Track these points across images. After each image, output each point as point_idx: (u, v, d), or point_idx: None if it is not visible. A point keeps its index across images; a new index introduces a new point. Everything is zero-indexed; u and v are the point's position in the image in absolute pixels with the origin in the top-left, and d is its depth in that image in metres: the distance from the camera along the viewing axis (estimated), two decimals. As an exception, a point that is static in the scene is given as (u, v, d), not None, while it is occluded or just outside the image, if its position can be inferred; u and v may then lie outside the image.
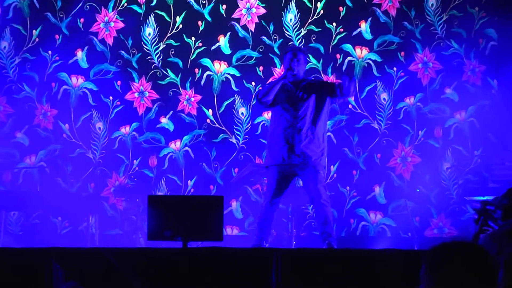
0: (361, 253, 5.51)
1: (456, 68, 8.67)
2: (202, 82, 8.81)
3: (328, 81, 7.54)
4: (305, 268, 5.10)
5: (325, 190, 6.65)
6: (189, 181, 8.66)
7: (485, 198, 7.06)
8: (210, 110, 8.78)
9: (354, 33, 8.66)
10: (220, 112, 8.75)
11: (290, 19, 8.78)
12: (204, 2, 8.84)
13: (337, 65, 8.69)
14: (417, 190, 8.45)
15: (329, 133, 8.46)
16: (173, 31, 8.86)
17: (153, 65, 8.85)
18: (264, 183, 7.88)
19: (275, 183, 6.69)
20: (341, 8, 8.67)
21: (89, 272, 5.03)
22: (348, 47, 8.52)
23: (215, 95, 8.81)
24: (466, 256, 2.28)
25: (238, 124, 8.76)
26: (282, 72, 6.90)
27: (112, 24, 8.87)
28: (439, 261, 2.29)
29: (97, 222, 8.73)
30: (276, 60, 8.76)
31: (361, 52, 8.66)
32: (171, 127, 8.77)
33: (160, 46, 8.85)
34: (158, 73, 8.84)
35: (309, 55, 8.74)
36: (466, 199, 8.22)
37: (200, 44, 8.83)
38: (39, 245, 6.52)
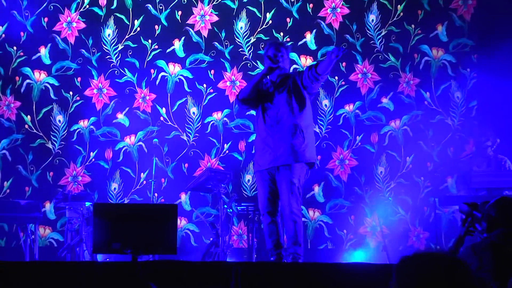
0: (325, 267, 5.12)
1: (393, 80, 8.74)
2: (157, 82, 8.84)
3: (303, 68, 6.75)
4: (267, 283, 4.66)
5: (297, 202, 5.98)
6: (142, 173, 8.67)
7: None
8: (163, 109, 8.79)
9: (300, 43, 8.74)
10: (173, 110, 8.77)
11: (241, 27, 8.84)
12: (161, 7, 8.88)
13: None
14: (390, 199, 8.49)
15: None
16: (131, 33, 8.90)
17: (111, 64, 8.86)
18: (222, 189, 7.65)
19: (267, 190, 6.07)
20: (288, 20, 8.75)
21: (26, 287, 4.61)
22: (294, 55, 8.56)
23: (169, 94, 8.81)
24: (440, 268, 2.07)
25: (190, 122, 8.77)
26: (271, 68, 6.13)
27: (74, 24, 8.88)
28: (410, 273, 2.10)
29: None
30: (227, 65, 8.80)
31: (305, 61, 8.69)
32: (126, 122, 8.80)
33: (118, 46, 8.86)
34: (116, 71, 8.85)
35: (257, 63, 8.72)
36: (443, 208, 8.06)
37: (156, 47, 8.87)
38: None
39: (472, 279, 2.07)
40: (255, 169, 6.23)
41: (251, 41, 8.84)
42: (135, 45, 8.87)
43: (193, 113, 8.78)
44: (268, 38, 8.73)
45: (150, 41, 8.87)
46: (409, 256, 2.13)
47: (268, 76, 6.11)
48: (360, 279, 4.61)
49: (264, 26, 8.85)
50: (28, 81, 8.81)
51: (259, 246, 7.61)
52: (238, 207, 7.95)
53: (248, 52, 8.80)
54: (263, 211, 6.05)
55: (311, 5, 8.76)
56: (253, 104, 6.16)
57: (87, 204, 7.53)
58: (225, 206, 7.70)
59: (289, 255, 5.89)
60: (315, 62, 6.29)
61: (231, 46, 8.84)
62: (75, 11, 8.88)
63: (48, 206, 8.52)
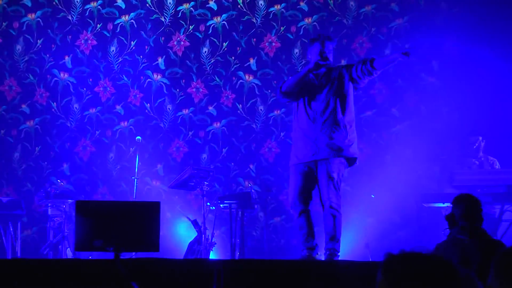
0: (308, 264, 4.77)
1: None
2: (145, 85, 9.76)
3: (349, 63, 6.05)
4: (250, 281, 4.29)
5: (336, 196, 5.46)
6: (131, 148, 9.52)
7: (445, 204, 6.88)
8: (148, 104, 9.73)
9: (245, 65, 9.87)
10: (155, 106, 9.71)
11: (205, 51, 9.89)
12: (150, 34, 9.87)
13: (233, 83, 9.73)
14: (372, 196, 8.71)
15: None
16: (128, 50, 9.83)
17: (113, 71, 9.77)
18: (204, 187, 7.48)
19: (300, 183, 5.61)
20: (238, 48, 9.87)
21: (7, 286, 4.21)
22: (241, 74, 9.76)
23: (152, 94, 9.76)
24: (427, 268, 1.87)
25: (166, 115, 9.77)
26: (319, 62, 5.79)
27: (89, 41, 9.84)
28: (397, 273, 1.89)
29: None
30: (194, 77, 9.75)
31: (248, 78, 9.81)
32: (122, 112, 9.73)
33: (119, 59, 9.79)
34: (116, 76, 9.80)
35: (215, 77, 9.83)
36: (425, 206, 7.66)
37: (145, 61, 9.79)
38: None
39: (460, 277, 1.88)
40: (292, 162, 5.71)
41: (211, 62, 9.83)
42: (130, 59, 9.79)
43: (169, 108, 9.74)
44: (223, 60, 9.80)
45: (141, 56, 9.80)
46: (396, 254, 1.94)
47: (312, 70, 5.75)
48: (346, 276, 4.37)
49: (221, 51, 9.88)
50: (55, 79, 9.74)
51: (242, 243, 7.38)
52: (221, 205, 7.79)
53: (209, 69, 9.86)
54: (295, 204, 5.63)
55: (254, 39, 9.92)
56: (294, 97, 5.74)
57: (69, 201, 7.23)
58: (208, 203, 7.57)
59: (326, 251, 5.49)
60: (369, 57, 5.75)
61: (197, 64, 9.85)
62: (90, 32, 9.84)
63: (65, 166, 9.53)
